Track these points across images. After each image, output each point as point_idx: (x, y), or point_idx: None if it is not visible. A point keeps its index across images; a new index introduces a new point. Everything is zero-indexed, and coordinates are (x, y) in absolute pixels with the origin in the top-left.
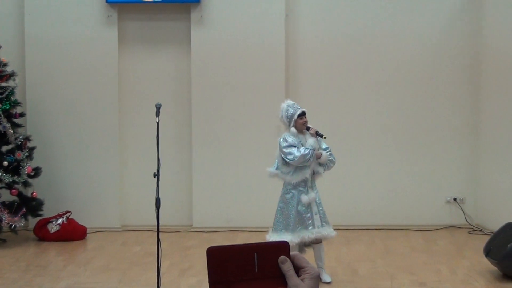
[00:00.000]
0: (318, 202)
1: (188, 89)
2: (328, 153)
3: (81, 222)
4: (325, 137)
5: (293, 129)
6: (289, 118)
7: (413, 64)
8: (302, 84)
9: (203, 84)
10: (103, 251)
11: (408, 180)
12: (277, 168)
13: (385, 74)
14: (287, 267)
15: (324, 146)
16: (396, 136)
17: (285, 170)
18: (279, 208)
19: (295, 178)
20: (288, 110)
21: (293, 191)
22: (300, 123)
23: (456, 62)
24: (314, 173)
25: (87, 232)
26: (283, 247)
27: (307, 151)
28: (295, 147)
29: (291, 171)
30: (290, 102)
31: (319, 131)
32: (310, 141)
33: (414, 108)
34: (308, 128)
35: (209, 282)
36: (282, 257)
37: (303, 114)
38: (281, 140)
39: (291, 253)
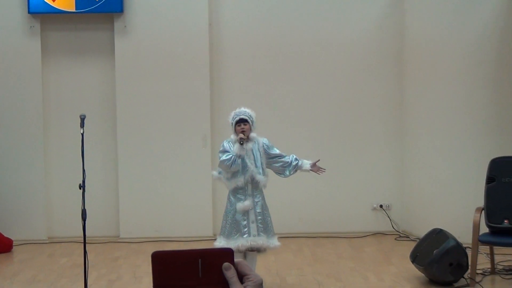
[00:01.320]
0: (258, 211)
1: (113, 99)
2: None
3: (6, 234)
4: (241, 143)
5: (232, 136)
6: (231, 124)
7: (340, 71)
8: (227, 92)
9: (128, 94)
10: (30, 263)
11: (335, 187)
12: (219, 173)
13: (312, 81)
14: (230, 274)
15: (277, 153)
16: (322, 142)
17: (225, 175)
18: (224, 213)
19: (230, 185)
20: (232, 116)
21: (232, 197)
22: (237, 130)
23: (382, 69)
24: (254, 182)
25: (13, 244)
26: (227, 253)
27: (226, 157)
28: (228, 152)
29: (228, 177)
30: (240, 109)
31: (243, 137)
32: (235, 147)
33: (340, 115)
34: (242, 138)
35: (153, 286)
36: (226, 264)
37: (240, 121)
38: (221, 144)
39: (235, 260)
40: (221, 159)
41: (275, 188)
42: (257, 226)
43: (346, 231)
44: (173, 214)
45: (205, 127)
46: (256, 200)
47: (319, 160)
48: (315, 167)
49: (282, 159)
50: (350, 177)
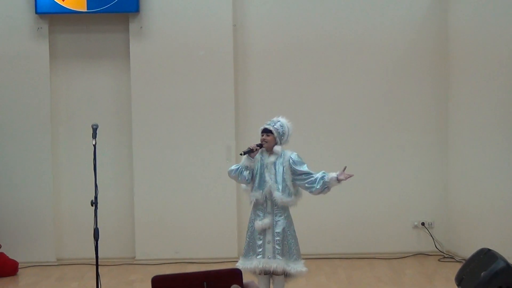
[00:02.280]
0: (277, 231)
1: (128, 107)
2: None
3: (11, 256)
4: (240, 154)
5: (255, 143)
6: (260, 131)
7: (377, 75)
8: (253, 96)
9: (144, 101)
10: (37, 287)
11: (372, 202)
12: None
13: (346, 85)
14: None
15: (305, 170)
16: (356, 152)
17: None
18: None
19: (250, 199)
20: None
21: (252, 214)
22: (260, 139)
23: (424, 73)
24: (273, 199)
25: (19, 267)
26: (235, 274)
27: (234, 167)
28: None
29: (249, 190)
30: (274, 118)
31: (251, 147)
32: (242, 158)
33: (377, 122)
34: (260, 145)
35: None
36: (234, 286)
37: (264, 131)
38: None
39: (244, 281)
40: (229, 169)
41: (306, 206)
42: (274, 247)
43: (385, 251)
44: (195, 233)
45: (229, 137)
46: (276, 219)
47: (346, 167)
48: (342, 175)
49: (310, 177)
50: (389, 192)
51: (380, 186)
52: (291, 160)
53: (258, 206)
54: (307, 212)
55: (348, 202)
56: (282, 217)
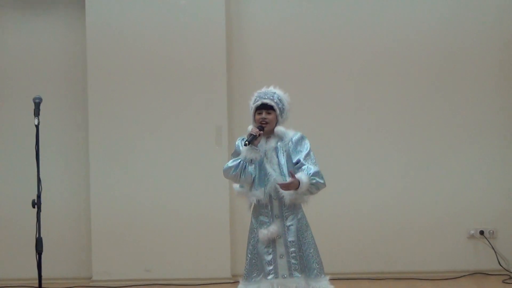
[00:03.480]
0: (291, 239)
1: (83, 74)
2: (308, 174)
3: None
4: (245, 144)
5: (250, 127)
6: (251, 109)
7: (434, 72)
8: (252, 71)
9: (105, 67)
10: None
11: (413, 206)
12: (242, 185)
13: (379, 68)
14: None
15: (298, 158)
16: (395, 146)
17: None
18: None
19: (248, 201)
20: (254, 98)
21: (253, 221)
22: (256, 120)
23: (487, 72)
24: (280, 197)
25: None
26: None
27: (233, 164)
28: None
29: (247, 190)
30: (266, 88)
31: (253, 134)
32: (242, 149)
33: (420, 109)
34: (260, 128)
35: None
36: None
37: (262, 107)
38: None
39: None
40: (226, 166)
41: (329, 213)
42: (289, 262)
43: (430, 269)
44: (172, 245)
45: (220, 115)
46: (288, 223)
47: (291, 171)
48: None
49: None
50: (435, 192)
51: (424, 184)
52: (290, 143)
53: (260, 210)
54: (330, 221)
55: (382, 208)
56: (295, 220)
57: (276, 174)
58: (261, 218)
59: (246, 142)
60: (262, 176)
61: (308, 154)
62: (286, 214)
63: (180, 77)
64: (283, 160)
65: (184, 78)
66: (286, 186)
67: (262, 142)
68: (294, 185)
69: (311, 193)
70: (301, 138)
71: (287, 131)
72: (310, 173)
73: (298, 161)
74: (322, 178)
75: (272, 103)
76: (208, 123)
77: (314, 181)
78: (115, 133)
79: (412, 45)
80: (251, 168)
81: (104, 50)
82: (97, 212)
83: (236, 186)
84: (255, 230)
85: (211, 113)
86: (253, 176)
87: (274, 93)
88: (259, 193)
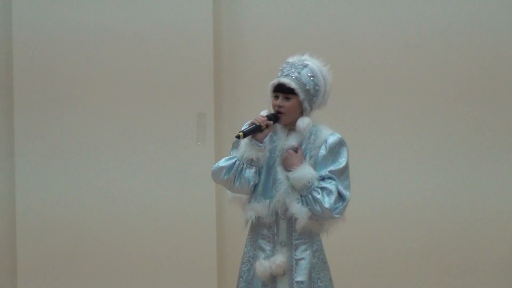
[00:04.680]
0: (298, 279)
1: (8, 63)
2: (316, 184)
3: None
4: (237, 136)
5: (263, 112)
6: (270, 90)
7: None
8: (246, 39)
9: (35, 51)
10: None
11: (468, 217)
12: None
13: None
14: None
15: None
16: (451, 156)
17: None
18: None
19: (245, 216)
20: (278, 70)
21: (248, 246)
22: (273, 105)
23: None
24: (291, 217)
25: None
26: None
27: (224, 164)
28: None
29: (245, 200)
30: (293, 58)
31: (256, 123)
32: (241, 144)
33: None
34: (271, 118)
35: None
36: None
37: (279, 89)
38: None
39: None
40: (216, 166)
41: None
42: None
43: None
44: (137, 270)
45: (203, 100)
46: (298, 255)
47: (297, 146)
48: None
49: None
50: (495, 199)
51: (481, 189)
52: (322, 149)
53: (260, 231)
54: (354, 235)
55: (425, 217)
56: (308, 252)
57: (289, 182)
58: (260, 242)
59: (240, 134)
60: (270, 183)
61: (341, 172)
62: (297, 242)
63: (150, 47)
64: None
65: (155, 50)
66: (289, 157)
67: (277, 137)
68: (294, 160)
69: (306, 203)
70: (339, 144)
71: (319, 126)
72: (324, 176)
73: (321, 176)
74: (332, 203)
75: (293, 85)
76: (188, 110)
77: (318, 196)
78: (51, 126)
79: (440, 39)
80: (249, 173)
81: (36, 27)
82: (24, 227)
83: (230, 194)
84: (251, 259)
85: (192, 96)
86: (251, 184)
87: (304, 66)
88: (261, 207)
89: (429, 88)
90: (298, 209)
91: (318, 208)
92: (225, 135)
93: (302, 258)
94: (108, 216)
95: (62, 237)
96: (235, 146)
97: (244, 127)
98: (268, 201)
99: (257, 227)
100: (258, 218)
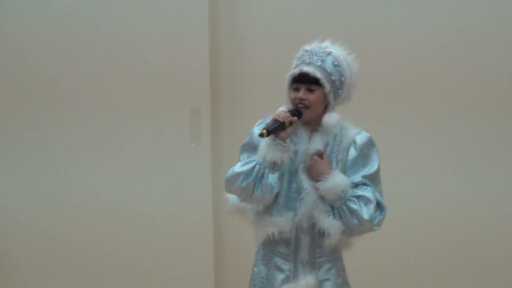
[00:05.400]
0: None
1: None
2: (354, 192)
3: None
4: (260, 134)
5: (281, 108)
6: (287, 82)
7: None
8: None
9: (16, 46)
10: None
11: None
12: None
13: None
14: None
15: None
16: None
17: (254, 204)
18: None
19: (259, 232)
20: (295, 59)
21: (260, 265)
22: (291, 98)
23: None
24: (318, 232)
25: None
26: None
27: (241, 169)
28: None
29: (259, 210)
30: (313, 45)
31: (280, 119)
32: (261, 145)
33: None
34: (295, 114)
35: None
36: None
37: (299, 79)
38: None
39: None
40: (231, 172)
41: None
42: None
43: None
44: (131, 269)
45: (198, 95)
46: (322, 276)
47: (323, 150)
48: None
49: (360, 198)
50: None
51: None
52: (352, 150)
53: (278, 248)
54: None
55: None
56: (333, 272)
57: (317, 192)
58: (277, 261)
59: (264, 132)
60: (292, 193)
61: (374, 176)
62: (320, 260)
63: (138, 36)
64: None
65: (144, 39)
66: (315, 164)
67: (302, 137)
68: (323, 168)
69: (340, 216)
70: (370, 144)
71: (346, 126)
72: (357, 183)
73: (360, 184)
74: (369, 213)
75: (318, 74)
76: (181, 106)
77: (354, 206)
78: (32, 123)
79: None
80: (272, 178)
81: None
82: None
83: (230, 198)
84: (264, 281)
85: (185, 92)
86: (275, 191)
87: (328, 54)
88: (283, 222)
89: (451, 89)
90: (330, 224)
91: (355, 220)
92: (224, 134)
93: (327, 279)
94: (98, 219)
95: (45, 241)
96: (246, 149)
97: (264, 124)
98: (291, 213)
99: (272, 243)
100: (280, 234)
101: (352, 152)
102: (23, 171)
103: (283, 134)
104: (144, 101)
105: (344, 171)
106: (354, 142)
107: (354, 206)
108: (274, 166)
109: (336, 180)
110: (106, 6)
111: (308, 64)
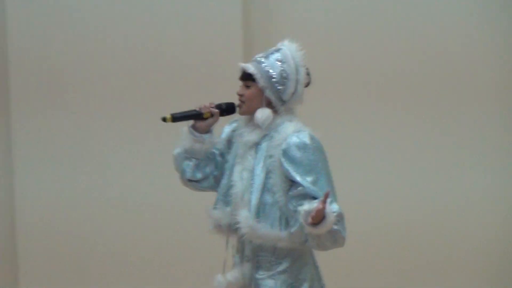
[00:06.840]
0: None
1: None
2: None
3: None
4: (163, 119)
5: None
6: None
7: None
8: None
9: (31, 39)
10: None
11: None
12: None
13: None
14: None
15: (297, 179)
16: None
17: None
18: None
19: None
20: None
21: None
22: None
23: None
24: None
25: None
26: None
27: (174, 151)
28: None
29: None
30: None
31: (198, 110)
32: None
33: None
34: (222, 108)
35: None
36: None
37: (242, 77)
38: None
39: None
40: (173, 152)
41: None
42: None
43: None
44: (139, 265)
45: (230, 97)
46: (260, 275)
47: (328, 191)
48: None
49: (299, 199)
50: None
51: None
52: (287, 150)
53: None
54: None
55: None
56: (274, 272)
57: (243, 185)
58: (234, 251)
59: (168, 116)
60: (230, 186)
61: (326, 181)
62: (261, 258)
63: (143, 34)
64: (259, 170)
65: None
66: (316, 217)
67: (244, 131)
68: (318, 217)
69: (323, 246)
70: (303, 147)
71: (286, 123)
72: (334, 212)
73: (297, 183)
74: (344, 228)
75: (251, 69)
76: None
77: (336, 227)
78: (45, 129)
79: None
80: (186, 165)
81: (33, 14)
82: (24, 225)
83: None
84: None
85: (218, 90)
86: (187, 177)
87: (276, 51)
88: (220, 216)
89: (424, 87)
90: (245, 218)
91: (340, 242)
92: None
93: (262, 279)
94: (108, 216)
95: (61, 237)
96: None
97: (234, 122)
98: (228, 208)
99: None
100: (218, 228)
101: (283, 152)
102: (48, 169)
103: (200, 124)
104: (169, 98)
105: (274, 169)
106: (286, 142)
107: (338, 229)
108: (188, 154)
109: (329, 221)
110: (116, 13)
111: (251, 61)
